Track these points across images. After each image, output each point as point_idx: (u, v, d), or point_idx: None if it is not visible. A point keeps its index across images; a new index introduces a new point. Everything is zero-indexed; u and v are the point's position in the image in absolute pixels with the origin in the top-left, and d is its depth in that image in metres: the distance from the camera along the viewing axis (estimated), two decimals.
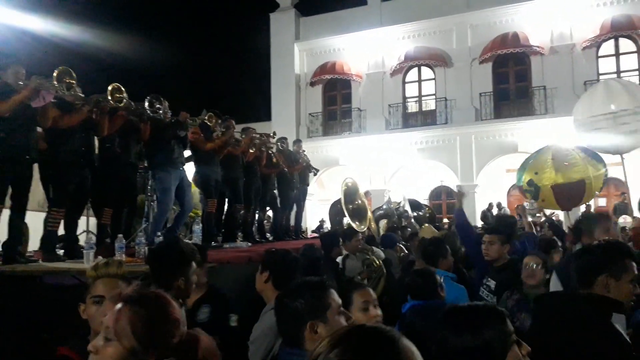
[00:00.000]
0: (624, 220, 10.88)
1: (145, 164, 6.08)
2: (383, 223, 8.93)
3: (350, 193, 6.96)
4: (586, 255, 2.14)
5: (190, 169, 6.43)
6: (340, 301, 1.79)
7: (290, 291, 1.82)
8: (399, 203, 10.24)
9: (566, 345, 1.81)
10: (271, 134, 7.80)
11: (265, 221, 9.12)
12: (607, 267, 2.01)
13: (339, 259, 5.12)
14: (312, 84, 19.84)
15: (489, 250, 3.83)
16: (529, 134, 16.26)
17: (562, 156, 6.84)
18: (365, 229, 7.20)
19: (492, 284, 3.66)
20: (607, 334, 1.82)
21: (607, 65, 16.47)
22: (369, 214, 8.11)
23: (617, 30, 15.52)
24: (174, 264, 2.43)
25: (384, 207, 9.76)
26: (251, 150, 7.06)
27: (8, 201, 4.33)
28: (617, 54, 16.39)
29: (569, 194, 6.18)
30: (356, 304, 2.19)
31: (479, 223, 13.63)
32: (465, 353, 1.36)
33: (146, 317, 1.34)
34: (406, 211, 9.78)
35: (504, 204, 16.20)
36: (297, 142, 9.22)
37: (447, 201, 18.89)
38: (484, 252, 3.90)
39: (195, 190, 7.96)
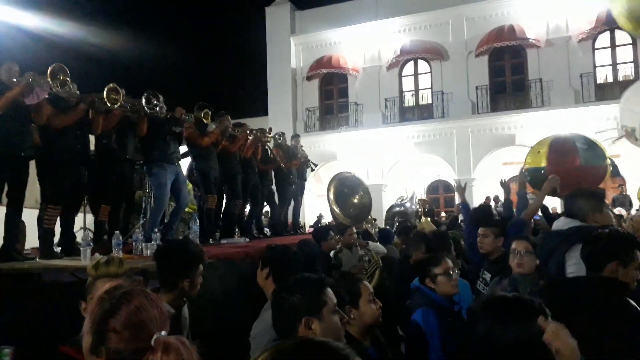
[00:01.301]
0: (619, 212, 10.90)
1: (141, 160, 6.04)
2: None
3: (349, 186, 6.79)
4: (597, 243, 2.32)
5: (184, 165, 6.39)
6: (335, 300, 1.82)
7: (288, 286, 1.83)
8: (407, 200, 10.04)
9: (588, 327, 1.86)
10: (267, 130, 7.77)
11: (263, 216, 9.10)
12: (617, 256, 2.21)
13: (331, 253, 5.12)
14: (309, 78, 19.80)
15: (483, 243, 3.88)
16: (526, 127, 16.31)
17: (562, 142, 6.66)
18: (358, 224, 7.05)
19: (487, 276, 3.68)
20: (629, 311, 1.91)
21: (603, 58, 16.51)
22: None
23: (613, 22, 15.47)
24: (181, 264, 2.42)
25: (407, 204, 9.55)
26: (248, 144, 7.03)
27: (4, 198, 4.31)
28: (613, 46, 16.40)
29: (570, 179, 6.01)
30: (365, 295, 2.33)
31: None
32: (514, 345, 1.32)
33: (102, 313, 1.26)
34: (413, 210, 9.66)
35: (501, 198, 16.20)
36: (295, 136, 9.20)
37: (444, 195, 18.92)
38: (478, 245, 3.95)
39: (189, 186, 7.94)
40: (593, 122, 15.23)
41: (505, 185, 5.44)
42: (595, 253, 2.29)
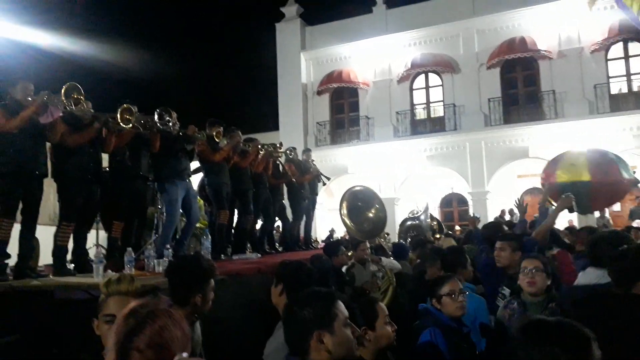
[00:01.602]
0: (638, 224, 10.71)
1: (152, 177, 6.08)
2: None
3: (363, 200, 6.67)
4: (625, 259, 2.32)
5: (195, 181, 6.40)
6: (347, 313, 1.80)
7: (299, 300, 1.82)
8: (421, 213, 9.89)
9: (619, 344, 1.83)
10: (278, 144, 7.78)
11: (275, 232, 9.07)
12: None
13: (343, 269, 5.07)
14: (319, 92, 19.88)
15: (500, 257, 3.83)
16: (540, 139, 16.15)
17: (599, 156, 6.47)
18: (371, 239, 6.96)
19: (506, 292, 3.59)
20: None
21: (616, 68, 16.35)
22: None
23: (626, 33, 15.39)
24: (194, 279, 2.41)
25: (421, 217, 9.41)
26: (259, 159, 7.04)
27: (19, 216, 4.34)
28: (627, 57, 16.26)
29: (609, 193, 5.85)
30: (381, 317, 2.33)
31: None
32: None
33: (127, 331, 1.27)
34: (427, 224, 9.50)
35: (516, 211, 16.01)
36: (307, 151, 9.19)
37: (458, 208, 18.75)
38: (495, 259, 3.88)
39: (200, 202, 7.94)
40: (608, 133, 15.06)
41: (521, 205, 5.32)
42: (625, 270, 2.27)
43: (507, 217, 14.97)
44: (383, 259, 5.38)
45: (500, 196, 16.76)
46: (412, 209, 10.46)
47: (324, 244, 10.53)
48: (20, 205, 4.34)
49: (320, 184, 9.06)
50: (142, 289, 2.04)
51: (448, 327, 2.82)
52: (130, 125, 4.83)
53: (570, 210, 4.40)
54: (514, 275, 3.67)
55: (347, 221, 6.27)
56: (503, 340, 3.05)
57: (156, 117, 5.16)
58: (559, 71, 16.50)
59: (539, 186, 17.18)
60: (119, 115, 4.73)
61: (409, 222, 9.50)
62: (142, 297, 1.85)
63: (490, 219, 15.30)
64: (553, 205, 5.25)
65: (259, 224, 7.65)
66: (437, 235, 9.11)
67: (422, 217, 9.36)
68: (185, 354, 1.22)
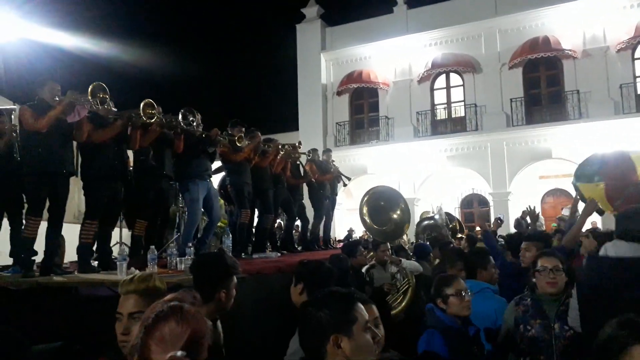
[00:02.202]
0: None
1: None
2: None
3: (386, 200, 6.58)
4: None
5: (215, 181, 6.45)
6: (367, 316, 1.68)
7: (316, 300, 1.71)
8: (435, 214, 9.87)
9: None
10: (297, 144, 7.81)
11: (294, 231, 9.11)
12: None
13: (363, 269, 5.05)
14: (339, 93, 19.87)
15: (525, 257, 3.87)
16: (563, 140, 15.88)
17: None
18: (388, 239, 6.91)
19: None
20: None
21: None
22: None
23: None
24: (218, 275, 2.45)
25: (436, 217, 9.36)
26: (278, 159, 7.08)
27: (45, 214, 4.44)
28: None
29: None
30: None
31: (513, 230, 13.30)
32: None
33: (143, 325, 1.33)
34: (443, 223, 9.45)
35: (538, 211, 15.79)
36: (327, 151, 9.21)
37: (479, 209, 18.53)
38: (521, 259, 3.92)
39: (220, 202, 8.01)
40: (634, 134, 14.71)
41: (533, 212, 5.30)
42: None
43: (529, 219, 14.75)
44: (403, 260, 5.35)
45: (522, 197, 16.50)
46: (426, 210, 10.40)
47: (342, 244, 10.51)
48: (47, 204, 4.44)
49: (340, 184, 9.06)
50: (154, 288, 2.06)
51: (449, 328, 2.76)
52: (155, 119, 4.90)
53: (600, 213, 4.30)
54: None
55: (368, 221, 6.25)
56: (510, 343, 3.01)
57: (180, 117, 5.23)
58: (584, 71, 16.19)
59: (562, 187, 17.00)
60: (141, 110, 4.80)
61: (425, 222, 9.44)
62: (154, 296, 1.87)
63: (512, 220, 15.12)
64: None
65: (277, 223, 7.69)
66: (458, 235, 9.01)
67: (437, 217, 9.29)
68: (180, 352, 1.22)
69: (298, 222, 8.70)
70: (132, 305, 1.91)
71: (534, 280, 3.04)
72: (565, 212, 11.14)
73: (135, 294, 1.95)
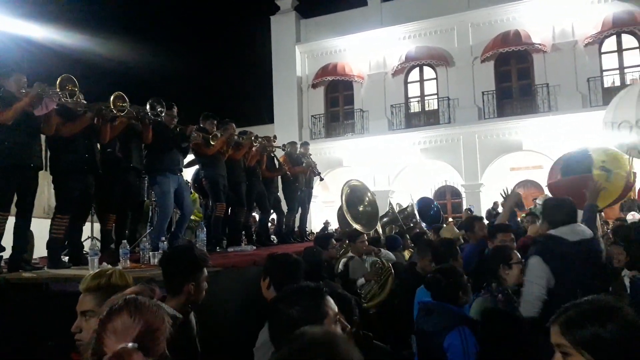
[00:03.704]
0: (633, 217, 10.81)
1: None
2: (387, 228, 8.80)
3: (357, 194, 6.76)
4: None
5: (188, 175, 6.39)
6: (336, 309, 1.67)
7: (286, 297, 1.69)
8: (407, 206, 10.03)
9: None
10: (272, 137, 7.79)
11: (270, 224, 9.10)
12: None
13: (341, 262, 5.10)
14: (314, 85, 19.85)
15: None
16: (533, 132, 16.24)
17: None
18: (371, 231, 7.07)
19: None
20: None
21: (610, 62, 16.41)
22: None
23: (619, 26, 15.46)
24: (186, 268, 2.44)
25: (389, 213, 9.58)
26: (253, 152, 7.05)
27: (13, 208, 4.34)
28: (620, 50, 16.32)
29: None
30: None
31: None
32: None
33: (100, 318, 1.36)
34: (414, 213, 9.63)
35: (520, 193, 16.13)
36: (304, 144, 9.19)
37: (452, 200, 18.84)
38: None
39: (195, 196, 7.95)
40: (601, 127, 15.12)
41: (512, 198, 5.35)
42: None
43: (500, 209, 15.06)
44: (382, 250, 5.44)
45: (493, 189, 16.83)
46: (407, 205, 10.51)
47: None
48: (15, 198, 4.34)
49: (317, 178, 9.08)
50: (108, 285, 2.04)
51: (475, 322, 2.66)
52: (126, 111, 4.82)
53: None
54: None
55: (347, 214, 6.33)
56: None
57: (148, 107, 5.15)
58: (553, 64, 16.56)
59: (532, 179, 17.41)
60: (112, 103, 4.72)
61: (383, 219, 9.56)
62: (110, 293, 1.86)
63: (483, 211, 15.45)
64: None
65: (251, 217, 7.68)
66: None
67: (401, 210, 9.53)
68: (130, 344, 1.22)
69: (274, 216, 8.70)
70: (86, 303, 1.90)
71: (507, 273, 3.14)
72: (539, 201, 11.43)
73: (89, 292, 1.93)
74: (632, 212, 11.51)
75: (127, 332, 1.28)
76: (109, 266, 3.10)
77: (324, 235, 6.80)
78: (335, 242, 5.18)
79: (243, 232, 7.31)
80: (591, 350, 1.27)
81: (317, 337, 1.11)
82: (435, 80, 18.50)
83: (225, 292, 3.91)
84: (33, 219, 4.49)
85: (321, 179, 9.13)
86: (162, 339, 1.32)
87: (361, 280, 4.79)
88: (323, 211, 17.99)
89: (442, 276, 2.78)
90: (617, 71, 16.29)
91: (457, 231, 6.94)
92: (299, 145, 8.95)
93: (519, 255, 3.20)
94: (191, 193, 8.59)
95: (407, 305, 3.81)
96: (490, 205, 15.69)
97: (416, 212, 9.54)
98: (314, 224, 16.77)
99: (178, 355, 1.46)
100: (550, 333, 1.39)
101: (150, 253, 4.40)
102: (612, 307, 1.34)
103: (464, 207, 16.14)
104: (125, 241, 4.41)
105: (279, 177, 8.20)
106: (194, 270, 2.45)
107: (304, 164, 8.55)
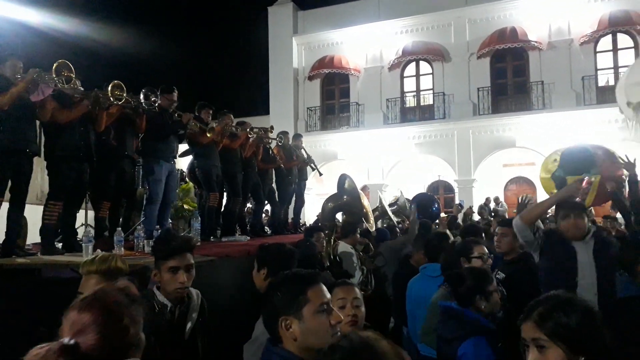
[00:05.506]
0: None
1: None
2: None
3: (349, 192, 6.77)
4: None
5: (184, 164, 6.37)
6: (326, 298, 1.64)
7: (274, 282, 1.71)
8: (396, 199, 10.10)
9: None
10: (269, 128, 7.78)
11: (264, 215, 9.11)
12: None
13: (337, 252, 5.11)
14: (310, 78, 19.81)
15: (501, 242, 3.88)
16: (527, 129, 16.33)
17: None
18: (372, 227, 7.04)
19: (501, 276, 3.65)
20: None
21: (605, 61, 16.51)
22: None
23: (615, 25, 15.54)
24: (154, 255, 2.47)
25: (379, 207, 9.63)
26: (249, 143, 7.05)
27: (7, 194, 4.32)
28: (615, 49, 16.41)
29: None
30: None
31: (476, 217, 13.68)
32: None
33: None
34: (405, 207, 9.65)
35: (501, 199, 16.27)
36: (297, 136, 9.18)
37: (444, 195, 18.94)
38: (495, 245, 3.95)
39: (189, 185, 7.92)
40: (594, 125, 15.25)
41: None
42: None
43: (492, 205, 15.17)
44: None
45: (485, 184, 16.97)
46: (397, 198, 10.55)
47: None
48: (9, 184, 4.32)
49: (312, 171, 9.07)
50: (115, 268, 2.07)
51: (490, 330, 2.46)
52: (123, 100, 4.81)
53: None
54: (512, 260, 3.79)
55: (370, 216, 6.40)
56: None
57: (142, 97, 5.13)
58: (548, 62, 16.63)
59: (524, 175, 17.52)
60: (109, 92, 4.70)
61: (376, 213, 9.58)
62: (115, 276, 1.88)
63: (476, 207, 15.55)
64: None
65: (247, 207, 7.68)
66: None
67: (399, 203, 9.54)
68: (67, 339, 1.23)
69: (268, 207, 8.70)
70: (93, 285, 1.92)
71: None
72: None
73: (97, 274, 1.96)
74: None
75: (73, 327, 1.30)
76: (103, 252, 3.11)
77: (311, 227, 6.85)
78: (322, 234, 5.18)
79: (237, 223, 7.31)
80: (564, 340, 1.42)
81: (356, 345, 1.14)
82: (431, 75, 18.52)
83: (218, 281, 3.93)
84: (26, 205, 4.47)
85: (320, 174, 9.13)
86: (112, 339, 1.31)
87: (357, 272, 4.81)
88: (316, 204, 18.00)
89: (470, 275, 2.61)
90: (612, 70, 16.39)
91: (448, 232, 6.97)
92: (291, 137, 8.93)
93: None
94: (186, 182, 8.59)
95: (400, 297, 3.85)
96: (482, 201, 15.81)
97: (407, 206, 9.56)
98: (307, 216, 16.80)
99: (158, 340, 1.47)
100: (522, 330, 1.50)
101: (144, 241, 4.40)
102: (569, 299, 1.53)
103: (456, 202, 16.24)
104: (119, 229, 4.41)
105: (273, 169, 8.19)
106: (156, 258, 2.45)
107: (294, 157, 8.52)
